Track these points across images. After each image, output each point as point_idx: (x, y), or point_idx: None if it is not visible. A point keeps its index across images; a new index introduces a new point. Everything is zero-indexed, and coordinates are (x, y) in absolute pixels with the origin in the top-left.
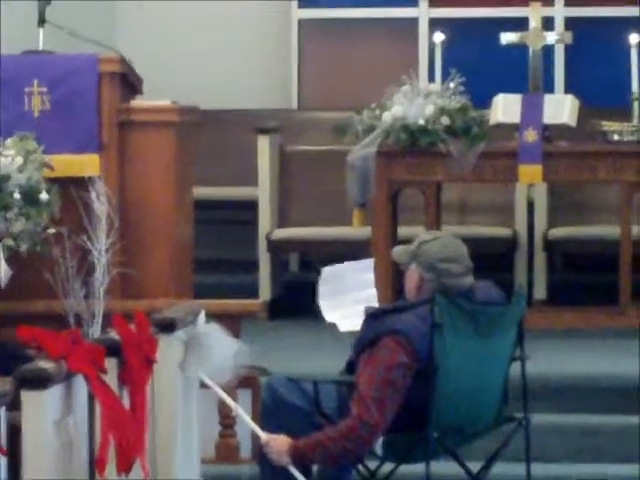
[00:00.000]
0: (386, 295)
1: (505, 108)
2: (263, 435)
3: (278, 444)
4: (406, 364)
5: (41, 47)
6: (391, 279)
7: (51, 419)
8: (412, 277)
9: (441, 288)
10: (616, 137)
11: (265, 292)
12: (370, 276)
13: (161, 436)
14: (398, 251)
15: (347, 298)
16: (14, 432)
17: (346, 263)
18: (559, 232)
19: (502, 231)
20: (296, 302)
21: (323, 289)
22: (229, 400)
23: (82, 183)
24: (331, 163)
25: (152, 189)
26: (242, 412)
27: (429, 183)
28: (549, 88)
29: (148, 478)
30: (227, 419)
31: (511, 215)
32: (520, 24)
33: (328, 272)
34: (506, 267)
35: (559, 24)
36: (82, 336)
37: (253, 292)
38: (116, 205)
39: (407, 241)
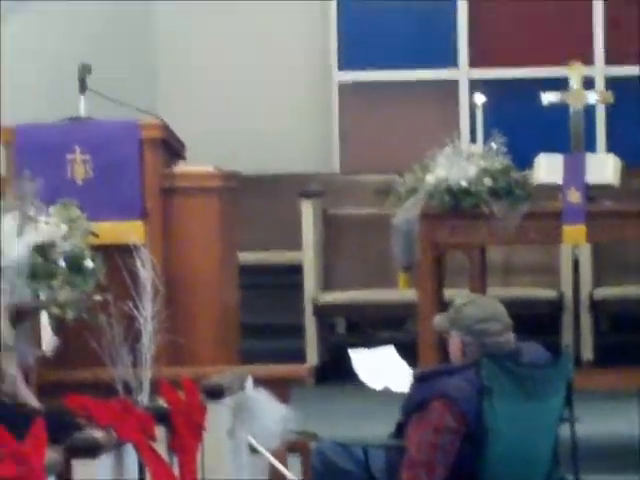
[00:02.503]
0: (432, 358)
1: (547, 168)
2: None
3: None
4: (454, 428)
5: (82, 114)
6: (436, 342)
7: None
8: (454, 342)
9: (484, 349)
10: None
11: (312, 356)
12: (397, 358)
13: None
14: (437, 320)
15: (383, 370)
16: None
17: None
18: (605, 292)
19: (547, 292)
20: (343, 365)
21: (359, 366)
22: (280, 466)
23: (127, 250)
24: (375, 226)
25: (197, 255)
26: (294, 478)
27: (473, 245)
28: (591, 147)
29: None
30: None
31: (556, 276)
32: (560, 84)
33: (357, 355)
34: (552, 328)
35: (599, 83)
36: (131, 404)
37: (300, 356)
38: (161, 271)
39: (452, 303)
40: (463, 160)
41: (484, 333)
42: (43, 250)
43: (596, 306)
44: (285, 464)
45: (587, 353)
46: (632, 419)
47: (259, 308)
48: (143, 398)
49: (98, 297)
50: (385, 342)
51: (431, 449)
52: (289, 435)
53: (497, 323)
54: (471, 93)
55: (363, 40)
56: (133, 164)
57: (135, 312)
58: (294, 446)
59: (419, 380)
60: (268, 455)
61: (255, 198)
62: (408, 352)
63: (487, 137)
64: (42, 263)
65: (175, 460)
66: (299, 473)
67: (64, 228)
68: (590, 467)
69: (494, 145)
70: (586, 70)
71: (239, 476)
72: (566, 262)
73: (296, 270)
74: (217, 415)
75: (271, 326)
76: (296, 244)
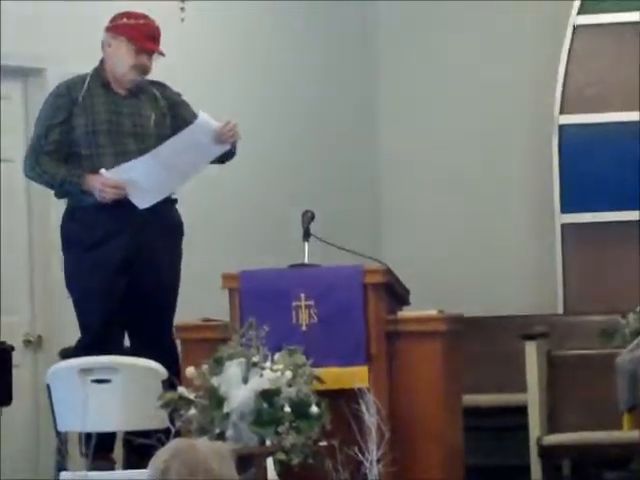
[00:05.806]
0: None
1: None
2: None
3: None
4: None
5: (306, 260)
6: None
7: None
8: None
9: None
10: None
11: None
12: None
13: None
14: None
15: None
16: None
17: None
18: None
19: None
20: None
21: None
22: None
23: (351, 395)
24: (599, 367)
25: (421, 398)
26: None
27: None
28: None
29: None
30: None
31: None
32: None
33: None
34: None
35: None
36: None
37: None
38: (386, 415)
39: None
40: None
41: None
42: (268, 396)
43: None
44: None
45: None
46: None
47: (484, 450)
48: None
49: (324, 442)
50: None
51: None
52: None
53: None
54: None
55: (584, 184)
56: (357, 309)
57: (361, 457)
58: None
59: None
60: None
61: (479, 340)
62: None
63: None
64: (267, 409)
65: None
66: None
67: (289, 374)
68: None
69: None
70: None
71: None
72: None
73: (521, 411)
74: None
75: (496, 468)
76: (520, 386)
